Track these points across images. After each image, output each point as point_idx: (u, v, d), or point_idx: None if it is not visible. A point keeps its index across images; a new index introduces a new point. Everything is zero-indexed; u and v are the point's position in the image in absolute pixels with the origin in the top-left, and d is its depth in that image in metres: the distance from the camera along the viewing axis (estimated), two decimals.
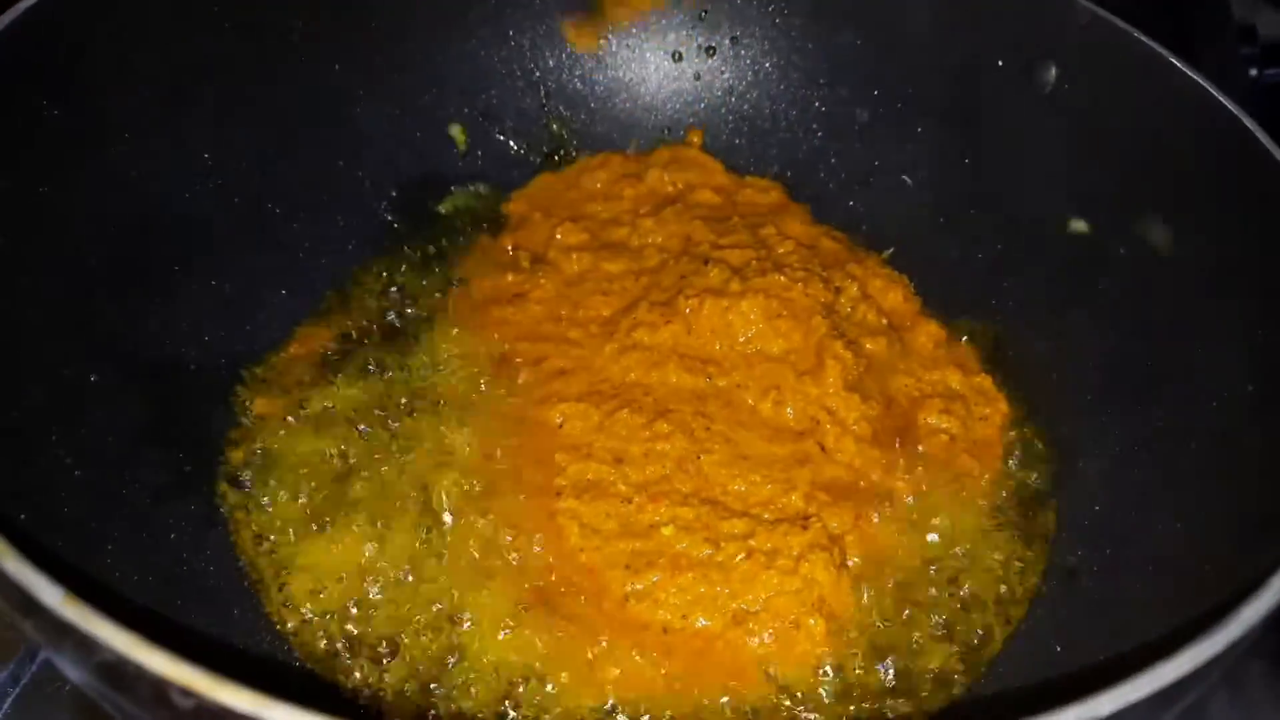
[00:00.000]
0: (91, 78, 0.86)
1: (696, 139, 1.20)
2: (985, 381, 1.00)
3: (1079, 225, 0.99)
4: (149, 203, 0.91)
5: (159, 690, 0.47)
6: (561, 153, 1.19)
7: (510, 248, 1.10)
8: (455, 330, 1.01)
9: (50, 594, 0.49)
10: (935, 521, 0.89)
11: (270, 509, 0.88)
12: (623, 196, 1.14)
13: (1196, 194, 0.89)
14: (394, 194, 1.11)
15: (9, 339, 0.76)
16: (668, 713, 0.78)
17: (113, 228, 0.87)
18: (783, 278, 1.00)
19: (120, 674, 0.48)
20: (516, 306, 1.03)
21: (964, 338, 1.05)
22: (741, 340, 0.97)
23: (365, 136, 1.09)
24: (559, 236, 1.09)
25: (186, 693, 0.46)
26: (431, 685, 0.79)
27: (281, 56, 1.02)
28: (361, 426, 0.93)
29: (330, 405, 0.94)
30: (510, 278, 1.06)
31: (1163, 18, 0.96)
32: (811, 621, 0.81)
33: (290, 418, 0.93)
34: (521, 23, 1.16)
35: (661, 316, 0.99)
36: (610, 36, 1.19)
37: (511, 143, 1.18)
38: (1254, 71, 1.38)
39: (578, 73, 1.19)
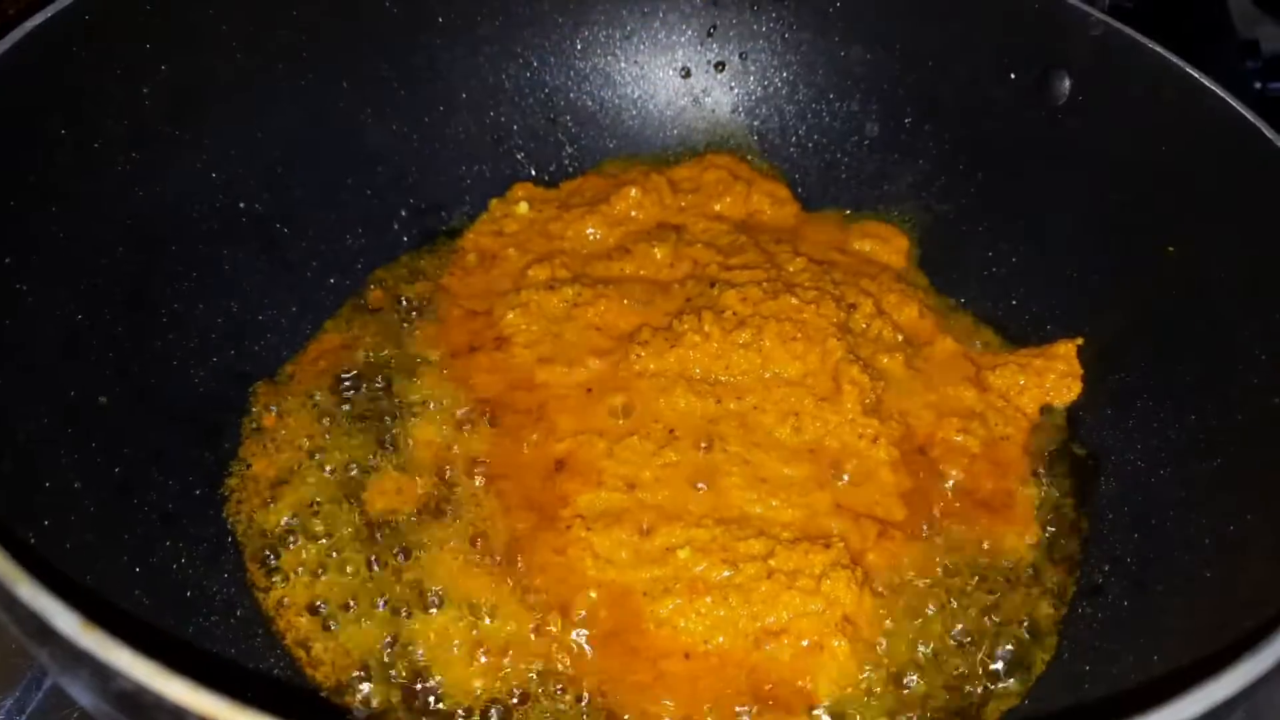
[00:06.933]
0: (98, 98, 0.85)
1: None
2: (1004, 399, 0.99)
3: (1097, 236, 0.99)
4: (156, 222, 0.90)
5: (177, 718, 0.46)
6: (570, 170, 1.19)
7: (482, 288, 1.06)
8: (434, 379, 0.96)
9: (67, 621, 0.48)
10: (960, 541, 0.88)
11: (279, 532, 0.86)
12: (603, 229, 1.10)
13: (1215, 203, 0.89)
14: (403, 213, 1.11)
15: (17, 360, 0.75)
16: None
17: (120, 248, 0.87)
18: (794, 299, 0.98)
19: (138, 702, 0.47)
20: (505, 352, 0.99)
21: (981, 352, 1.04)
22: (756, 365, 0.95)
23: (373, 155, 1.09)
24: (532, 274, 1.05)
25: None
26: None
27: (289, 75, 1.01)
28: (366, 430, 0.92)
29: (331, 441, 0.92)
30: (485, 321, 1.02)
31: (1165, 32, 0.96)
32: (835, 643, 0.79)
33: (299, 441, 0.92)
34: (529, 40, 1.15)
35: (666, 341, 0.97)
36: (619, 53, 1.19)
37: (520, 160, 1.17)
38: (1258, 85, 1.38)
39: (586, 89, 1.18)
